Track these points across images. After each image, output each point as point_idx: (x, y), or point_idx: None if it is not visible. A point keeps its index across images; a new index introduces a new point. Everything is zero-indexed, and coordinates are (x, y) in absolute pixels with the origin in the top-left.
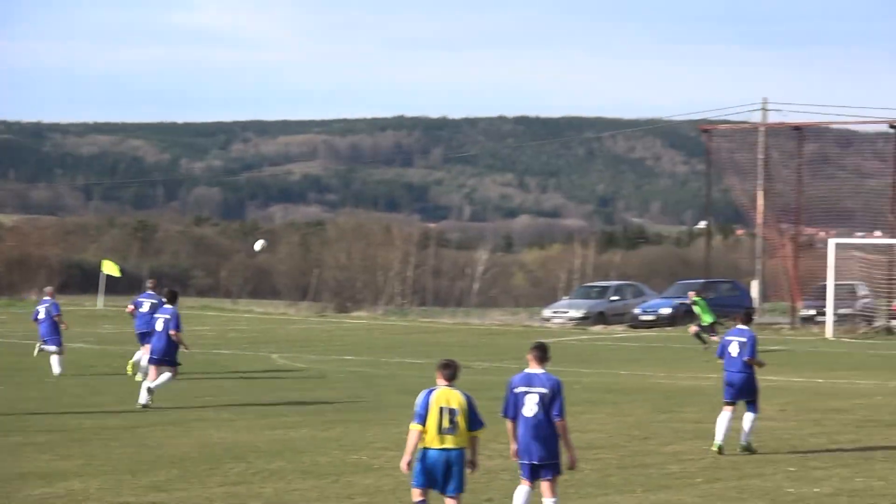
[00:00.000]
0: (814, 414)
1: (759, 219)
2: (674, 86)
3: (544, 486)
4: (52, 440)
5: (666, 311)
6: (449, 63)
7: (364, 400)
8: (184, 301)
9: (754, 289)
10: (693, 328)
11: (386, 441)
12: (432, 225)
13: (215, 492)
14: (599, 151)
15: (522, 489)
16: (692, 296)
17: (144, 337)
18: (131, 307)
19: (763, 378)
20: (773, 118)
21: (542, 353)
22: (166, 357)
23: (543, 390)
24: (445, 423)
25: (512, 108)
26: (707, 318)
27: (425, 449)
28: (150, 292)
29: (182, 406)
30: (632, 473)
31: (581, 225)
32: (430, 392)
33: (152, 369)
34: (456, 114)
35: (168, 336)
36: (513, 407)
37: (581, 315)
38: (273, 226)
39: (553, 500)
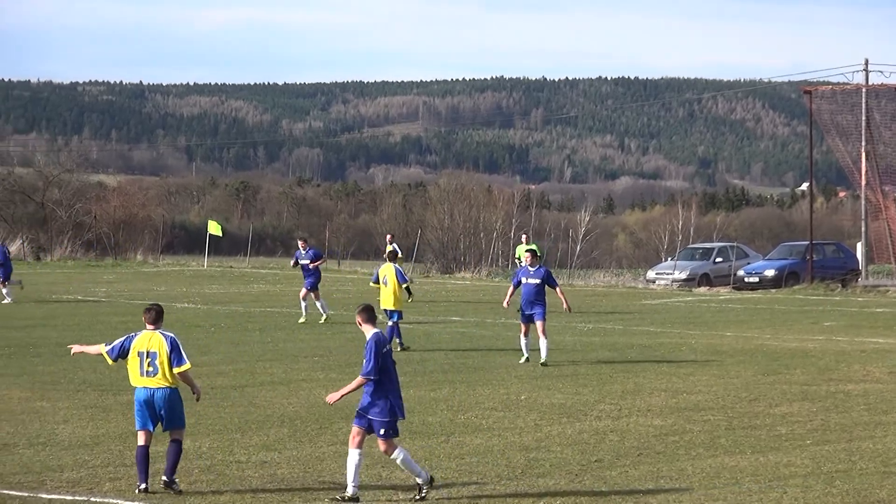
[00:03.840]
0: None
1: (863, 181)
2: (775, 47)
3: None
4: None
5: (770, 272)
6: (549, 24)
7: (471, 360)
8: (286, 261)
9: (859, 251)
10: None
11: (494, 401)
12: (533, 186)
13: (325, 451)
14: (700, 113)
15: (358, 453)
16: (524, 239)
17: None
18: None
19: (871, 341)
20: (875, 79)
21: (372, 313)
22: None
23: None
24: (146, 367)
25: (612, 70)
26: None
27: (136, 388)
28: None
29: (290, 366)
30: (740, 435)
31: (682, 186)
32: (133, 337)
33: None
34: (555, 75)
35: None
36: (381, 367)
37: (685, 277)
38: (374, 187)
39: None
